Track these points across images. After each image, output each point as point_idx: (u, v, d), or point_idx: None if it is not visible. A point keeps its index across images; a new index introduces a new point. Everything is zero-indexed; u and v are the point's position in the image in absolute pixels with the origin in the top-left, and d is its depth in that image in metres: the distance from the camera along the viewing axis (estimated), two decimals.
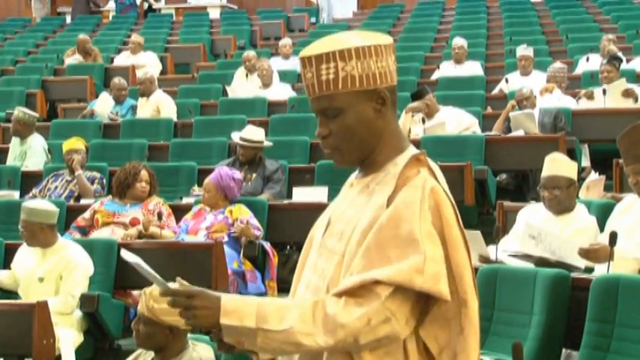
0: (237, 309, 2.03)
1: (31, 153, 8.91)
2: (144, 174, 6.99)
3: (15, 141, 9.08)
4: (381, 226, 2.06)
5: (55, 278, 5.78)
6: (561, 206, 5.28)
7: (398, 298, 2.03)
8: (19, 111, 9.07)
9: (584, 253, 4.63)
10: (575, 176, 5.35)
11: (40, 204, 5.98)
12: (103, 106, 10.61)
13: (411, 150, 2.20)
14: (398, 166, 2.15)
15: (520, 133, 8.51)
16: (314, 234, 2.31)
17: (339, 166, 2.23)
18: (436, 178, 2.14)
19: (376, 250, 2.04)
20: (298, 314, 2.03)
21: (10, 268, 6.08)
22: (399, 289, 2.02)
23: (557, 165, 5.36)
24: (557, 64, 10.05)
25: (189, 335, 3.92)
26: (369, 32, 2.25)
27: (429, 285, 2.03)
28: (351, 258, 2.09)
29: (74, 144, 8.07)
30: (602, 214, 5.22)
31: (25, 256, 5.95)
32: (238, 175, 6.99)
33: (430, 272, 2.02)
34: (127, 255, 2.12)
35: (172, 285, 2.09)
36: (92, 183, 7.86)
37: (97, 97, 11.75)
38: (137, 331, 3.85)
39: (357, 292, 2.03)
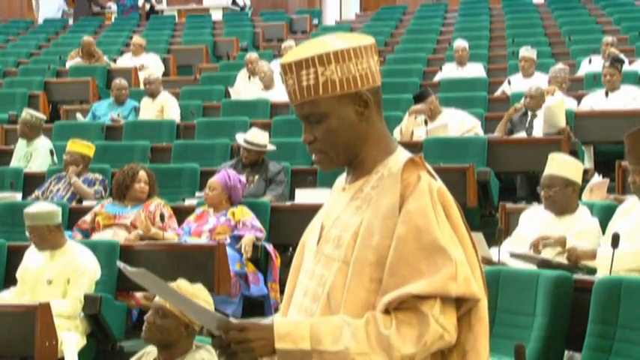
0: (290, 332, 2.03)
1: (36, 155, 8.91)
2: (142, 175, 6.98)
3: (21, 142, 9.08)
4: (401, 241, 2.05)
5: (63, 281, 5.77)
6: (556, 206, 5.28)
7: (446, 311, 2.04)
8: (27, 113, 9.06)
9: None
10: (576, 177, 5.34)
11: (42, 206, 5.96)
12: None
13: (401, 151, 2.20)
14: (391, 168, 2.15)
15: (522, 134, 8.50)
16: (306, 239, 2.30)
17: (325, 170, 2.23)
18: (435, 179, 2.15)
19: (404, 265, 2.04)
20: (351, 333, 2.02)
21: (12, 270, 6.06)
22: (444, 301, 2.03)
23: (555, 164, 5.37)
24: (558, 66, 10.04)
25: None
26: (351, 34, 2.24)
27: (463, 289, 2.04)
28: (364, 266, 2.08)
29: (76, 147, 8.05)
30: (605, 216, 5.22)
31: (34, 258, 5.92)
32: (244, 179, 7.02)
33: (462, 276, 2.04)
34: (127, 269, 2.08)
35: (173, 284, 2.08)
36: (93, 185, 7.86)
37: (99, 98, 11.78)
38: (151, 323, 3.84)
39: (404, 308, 2.03)
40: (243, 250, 6.45)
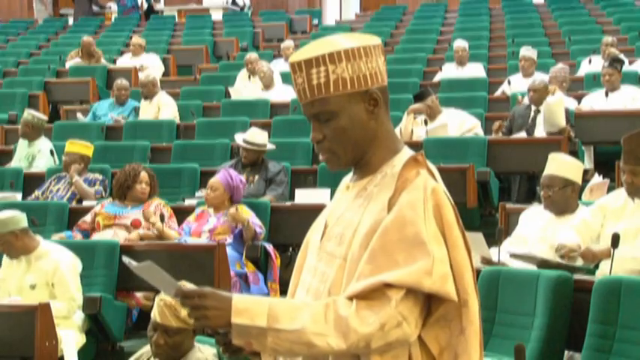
0: (248, 308, 2.03)
1: (40, 156, 8.87)
2: (143, 175, 6.98)
3: (22, 143, 9.04)
4: (385, 230, 2.05)
5: (46, 285, 5.70)
6: (555, 206, 5.28)
7: (409, 301, 2.03)
8: (28, 113, 9.03)
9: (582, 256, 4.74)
10: (576, 177, 5.34)
11: (4, 214, 5.78)
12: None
13: (406, 151, 2.20)
14: (395, 167, 2.15)
15: (522, 134, 8.50)
16: (310, 237, 2.30)
17: (334, 169, 2.22)
18: (435, 179, 2.14)
19: (383, 253, 2.04)
20: (310, 314, 2.02)
21: None
22: (409, 292, 2.02)
23: (555, 165, 5.37)
24: (558, 65, 10.07)
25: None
26: (357, 34, 2.24)
27: (437, 286, 2.03)
28: (354, 262, 2.08)
29: (75, 148, 8.05)
30: None
31: (11, 267, 5.83)
32: (243, 178, 7.02)
33: (438, 273, 2.03)
34: (132, 264, 2.08)
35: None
36: (93, 185, 7.85)
37: (99, 98, 11.77)
38: (162, 345, 3.81)
39: (368, 295, 2.02)
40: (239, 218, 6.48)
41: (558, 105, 8.17)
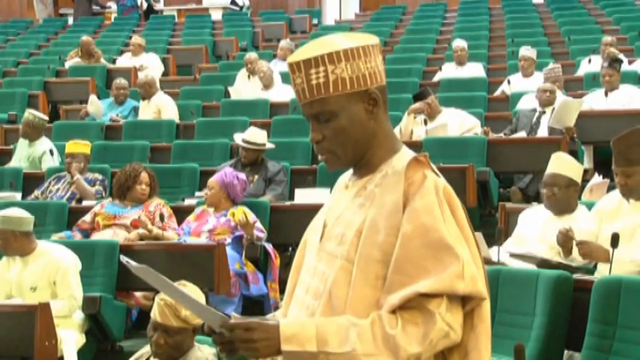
0: (296, 333, 2.03)
1: (46, 158, 8.86)
2: (144, 176, 6.97)
3: (22, 143, 9.02)
4: (407, 239, 2.05)
5: (47, 285, 5.69)
6: (558, 205, 5.28)
7: (452, 309, 2.04)
8: (29, 113, 9.01)
9: (579, 246, 4.72)
10: (577, 178, 5.35)
11: (13, 212, 5.77)
12: (95, 108, 10.63)
13: (405, 150, 2.20)
14: (394, 167, 2.15)
15: (522, 134, 8.50)
16: (308, 237, 2.30)
17: (333, 169, 2.22)
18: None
19: (410, 262, 2.04)
20: (357, 334, 2.02)
21: None
22: (451, 300, 2.03)
23: (559, 164, 5.37)
24: (550, 65, 10.06)
25: None
26: (356, 34, 2.24)
27: (470, 288, 2.04)
28: (367, 263, 2.08)
29: (79, 148, 8.04)
30: None
31: (8, 267, 5.81)
32: (243, 176, 6.99)
33: (469, 275, 2.04)
34: (130, 263, 2.09)
35: (183, 291, 2.07)
36: (93, 185, 7.85)
37: (99, 98, 11.75)
38: (162, 344, 3.81)
39: (409, 307, 2.03)
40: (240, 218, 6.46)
41: (577, 105, 8.23)
